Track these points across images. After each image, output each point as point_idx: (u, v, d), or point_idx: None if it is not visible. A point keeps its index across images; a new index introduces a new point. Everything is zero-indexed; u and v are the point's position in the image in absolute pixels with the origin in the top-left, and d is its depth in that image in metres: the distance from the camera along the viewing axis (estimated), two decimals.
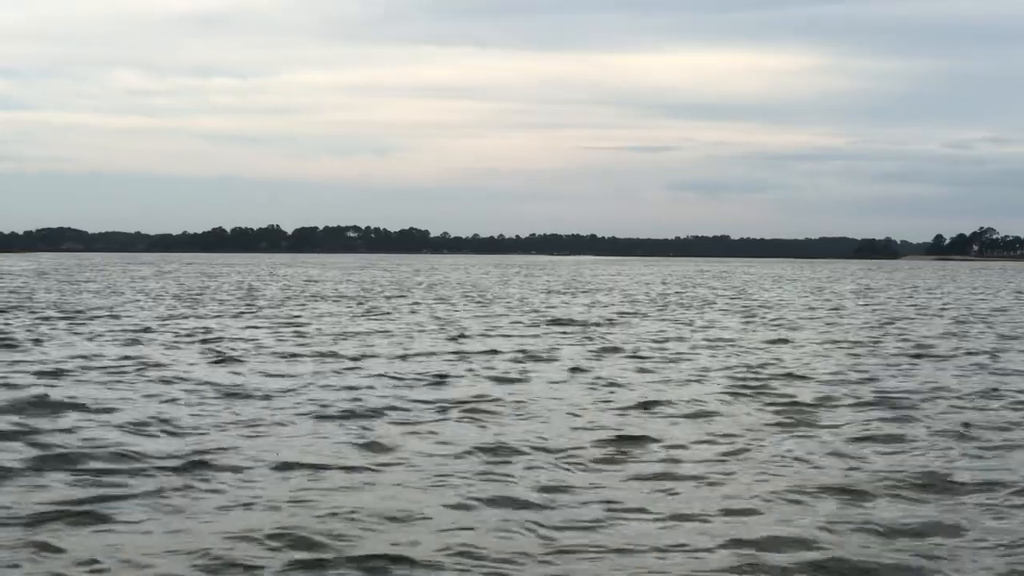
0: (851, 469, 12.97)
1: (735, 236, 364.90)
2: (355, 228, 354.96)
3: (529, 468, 12.88)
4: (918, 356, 27.02)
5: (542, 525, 10.35)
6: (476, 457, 13.51)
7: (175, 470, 12.44)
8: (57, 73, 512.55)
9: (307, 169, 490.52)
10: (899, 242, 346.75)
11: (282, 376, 21.30)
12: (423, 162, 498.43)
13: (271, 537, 9.89)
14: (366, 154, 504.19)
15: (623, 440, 14.62)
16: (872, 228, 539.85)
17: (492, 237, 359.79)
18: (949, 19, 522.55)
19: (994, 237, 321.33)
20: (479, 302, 53.62)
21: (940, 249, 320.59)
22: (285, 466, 12.78)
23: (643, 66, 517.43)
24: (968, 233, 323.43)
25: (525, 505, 11.09)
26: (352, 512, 10.71)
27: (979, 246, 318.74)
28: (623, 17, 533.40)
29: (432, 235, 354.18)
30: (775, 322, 40.23)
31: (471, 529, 10.25)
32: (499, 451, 13.82)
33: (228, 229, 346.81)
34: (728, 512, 10.92)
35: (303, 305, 48.77)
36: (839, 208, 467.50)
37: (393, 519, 10.52)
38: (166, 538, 9.94)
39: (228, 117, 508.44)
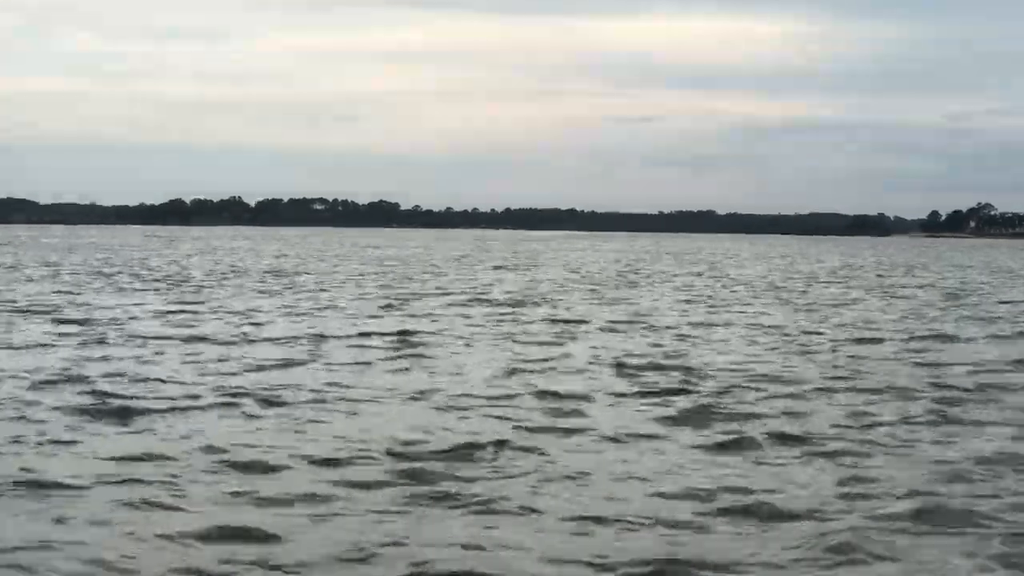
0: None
1: (721, 211, 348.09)
2: (322, 200, 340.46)
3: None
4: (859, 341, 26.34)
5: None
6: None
7: None
8: (3, 33, 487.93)
9: (271, 138, 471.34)
10: (893, 218, 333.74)
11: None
12: (393, 132, 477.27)
13: None
14: (333, 122, 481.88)
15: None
16: (866, 203, 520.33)
17: (466, 211, 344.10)
18: None
19: (992, 213, 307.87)
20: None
21: (935, 226, 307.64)
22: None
23: (625, 32, 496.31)
24: (965, 209, 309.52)
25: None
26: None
27: (976, 222, 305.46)
28: None
29: (403, 208, 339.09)
30: (714, 304, 39.30)
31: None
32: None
33: (188, 200, 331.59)
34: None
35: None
36: (831, 182, 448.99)
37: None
38: None
39: (187, 83, 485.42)
